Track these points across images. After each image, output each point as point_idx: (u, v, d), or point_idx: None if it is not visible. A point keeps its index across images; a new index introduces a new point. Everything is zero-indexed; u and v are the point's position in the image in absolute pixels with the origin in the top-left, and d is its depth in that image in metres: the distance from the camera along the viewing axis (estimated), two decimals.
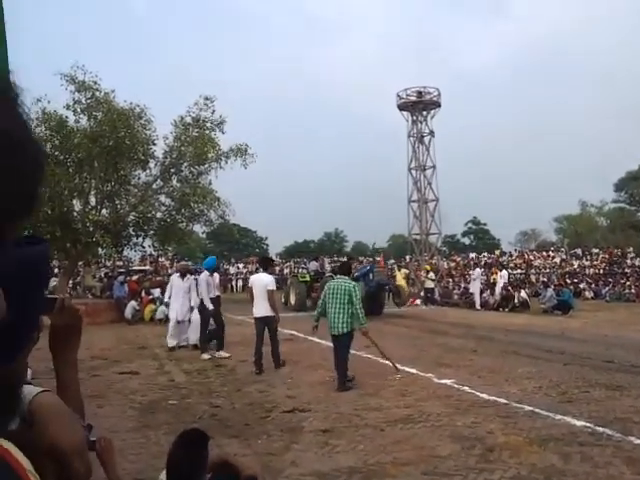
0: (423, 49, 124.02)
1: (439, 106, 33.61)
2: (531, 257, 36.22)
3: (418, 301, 23.25)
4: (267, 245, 64.49)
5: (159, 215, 20.21)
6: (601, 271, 30.41)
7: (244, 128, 34.04)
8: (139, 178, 20.19)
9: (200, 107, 19.58)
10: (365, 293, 14.90)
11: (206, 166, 19.83)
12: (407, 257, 37.20)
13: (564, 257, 35.22)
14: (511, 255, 38.13)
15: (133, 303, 17.35)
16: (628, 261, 30.80)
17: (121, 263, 31.91)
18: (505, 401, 6.59)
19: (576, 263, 33.23)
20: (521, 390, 7.16)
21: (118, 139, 17.80)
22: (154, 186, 20.09)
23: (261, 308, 9.05)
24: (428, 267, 25.55)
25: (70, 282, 22.60)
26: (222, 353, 10.16)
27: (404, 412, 6.22)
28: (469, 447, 5.01)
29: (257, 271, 12.73)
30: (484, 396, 6.84)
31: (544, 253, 37.19)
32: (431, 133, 33.68)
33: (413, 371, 8.44)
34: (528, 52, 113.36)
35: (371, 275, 17.98)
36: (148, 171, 19.99)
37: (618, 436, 5.21)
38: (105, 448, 1.38)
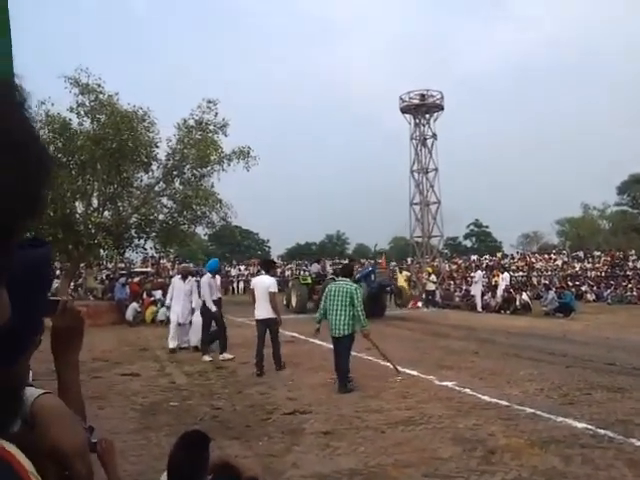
0: (428, 50, 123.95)
1: (442, 109, 33.55)
2: (533, 260, 36.22)
3: (419, 303, 23.24)
4: (269, 247, 64.64)
5: (161, 217, 20.21)
6: (603, 274, 30.41)
7: (249, 133, 34.20)
8: (141, 180, 20.26)
9: (203, 110, 19.63)
10: (367, 294, 14.89)
11: (208, 168, 19.84)
12: (409, 259, 37.22)
13: (566, 260, 35.22)
14: (513, 257, 38.12)
15: (134, 305, 17.37)
16: (630, 264, 30.80)
17: (123, 265, 31.98)
18: (506, 403, 6.59)
19: (578, 266, 33.22)
20: (522, 392, 7.16)
21: (121, 141, 17.80)
22: (156, 188, 20.11)
23: (262, 310, 9.09)
24: (430, 269, 25.49)
25: (72, 284, 22.65)
26: (226, 355, 10.16)
27: (405, 414, 6.21)
28: (470, 449, 5.00)
29: (259, 273, 12.72)
30: (485, 398, 6.83)
31: (546, 256, 37.22)
32: (434, 136, 33.62)
33: (414, 373, 8.44)
34: (531, 57, 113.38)
35: (373, 276, 18.00)
36: (150, 173, 20.05)
37: (620, 438, 5.21)
38: (106, 450, 1.38)
